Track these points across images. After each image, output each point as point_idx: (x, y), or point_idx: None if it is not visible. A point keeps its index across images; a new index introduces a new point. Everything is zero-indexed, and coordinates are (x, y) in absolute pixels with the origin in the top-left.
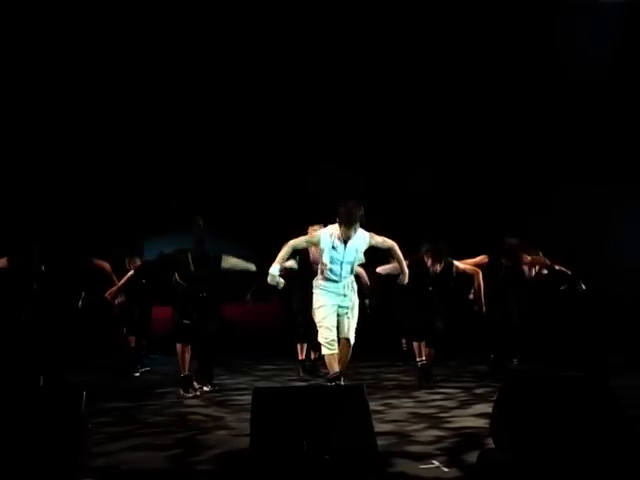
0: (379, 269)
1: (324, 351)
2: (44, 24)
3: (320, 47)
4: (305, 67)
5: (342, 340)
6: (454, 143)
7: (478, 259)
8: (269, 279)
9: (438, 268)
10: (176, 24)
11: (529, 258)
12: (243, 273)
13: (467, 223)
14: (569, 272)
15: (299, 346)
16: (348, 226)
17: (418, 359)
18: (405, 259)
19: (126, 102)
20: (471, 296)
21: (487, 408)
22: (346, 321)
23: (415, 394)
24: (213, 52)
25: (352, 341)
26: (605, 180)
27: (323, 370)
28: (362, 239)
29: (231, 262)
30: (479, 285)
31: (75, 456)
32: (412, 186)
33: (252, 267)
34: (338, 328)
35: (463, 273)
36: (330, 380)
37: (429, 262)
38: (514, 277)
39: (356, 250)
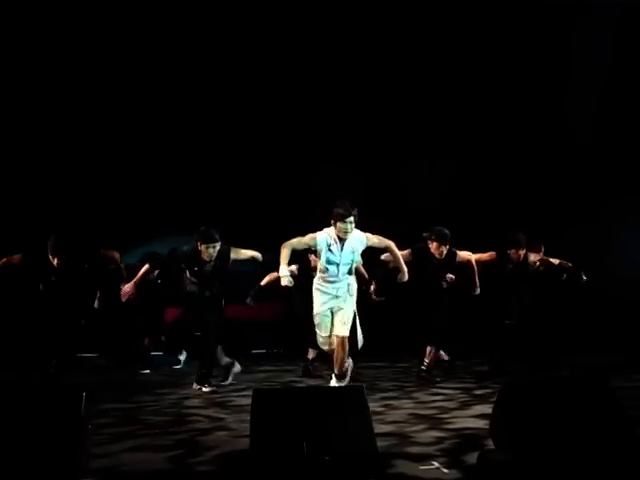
0: (382, 256)
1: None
2: (46, 23)
3: (320, 48)
4: (304, 68)
5: (336, 337)
6: (454, 143)
7: (486, 255)
8: (282, 281)
9: (444, 251)
10: (177, 24)
11: (533, 257)
12: (250, 265)
13: (469, 225)
14: (569, 264)
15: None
16: (343, 221)
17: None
18: (407, 249)
19: (126, 102)
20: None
21: (487, 409)
22: (339, 315)
23: (415, 395)
24: (214, 55)
25: (345, 335)
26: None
27: (324, 371)
28: (358, 240)
29: (239, 252)
30: (473, 268)
31: (75, 457)
32: (411, 188)
33: (259, 256)
34: (333, 325)
35: (462, 262)
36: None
37: (433, 246)
38: (520, 271)
39: (352, 251)
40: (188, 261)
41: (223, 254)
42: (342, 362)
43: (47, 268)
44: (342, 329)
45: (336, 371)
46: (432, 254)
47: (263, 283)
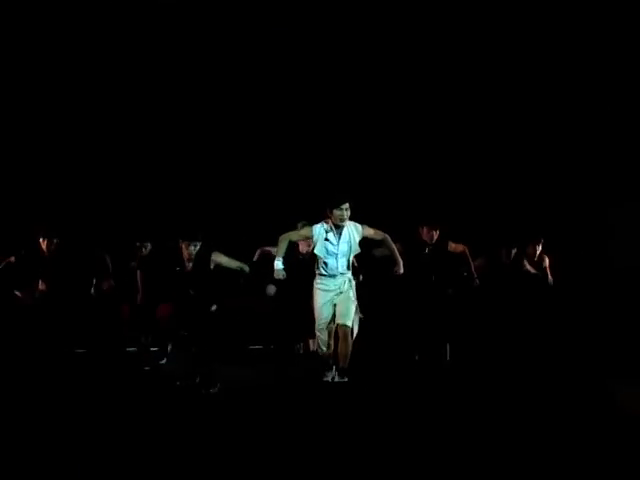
0: (375, 251)
1: (320, 351)
2: (48, 22)
3: (318, 50)
4: (303, 66)
5: (339, 329)
6: (449, 139)
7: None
8: (275, 274)
9: (434, 235)
10: (179, 21)
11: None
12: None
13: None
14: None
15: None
16: (339, 208)
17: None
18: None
19: (126, 100)
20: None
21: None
22: (341, 306)
23: (414, 392)
24: (216, 52)
25: (354, 329)
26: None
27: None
28: (354, 229)
29: (223, 259)
30: (467, 258)
31: None
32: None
33: (246, 268)
34: (335, 317)
35: (454, 252)
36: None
37: (424, 231)
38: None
39: (349, 240)
40: (170, 258)
41: (203, 255)
42: (346, 356)
43: (39, 256)
44: (344, 319)
45: (340, 365)
46: (423, 241)
47: (255, 258)
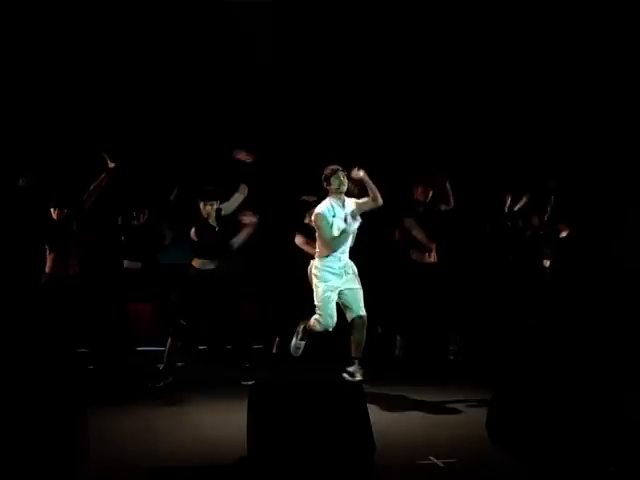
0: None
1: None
2: None
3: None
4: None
5: (356, 321)
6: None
7: None
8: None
9: (429, 193)
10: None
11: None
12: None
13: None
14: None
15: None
16: (336, 175)
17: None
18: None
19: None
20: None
21: (485, 405)
22: (352, 296)
23: (414, 390)
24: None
25: (365, 315)
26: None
27: None
28: (351, 202)
29: (229, 206)
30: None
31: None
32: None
33: (244, 191)
34: (347, 308)
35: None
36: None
37: (418, 191)
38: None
39: (353, 213)
40: (190, 218)
41: (218, 212)
42: (361, 345)
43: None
44: (360, 311)
45: (354, 354)
46: (417, 200)
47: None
